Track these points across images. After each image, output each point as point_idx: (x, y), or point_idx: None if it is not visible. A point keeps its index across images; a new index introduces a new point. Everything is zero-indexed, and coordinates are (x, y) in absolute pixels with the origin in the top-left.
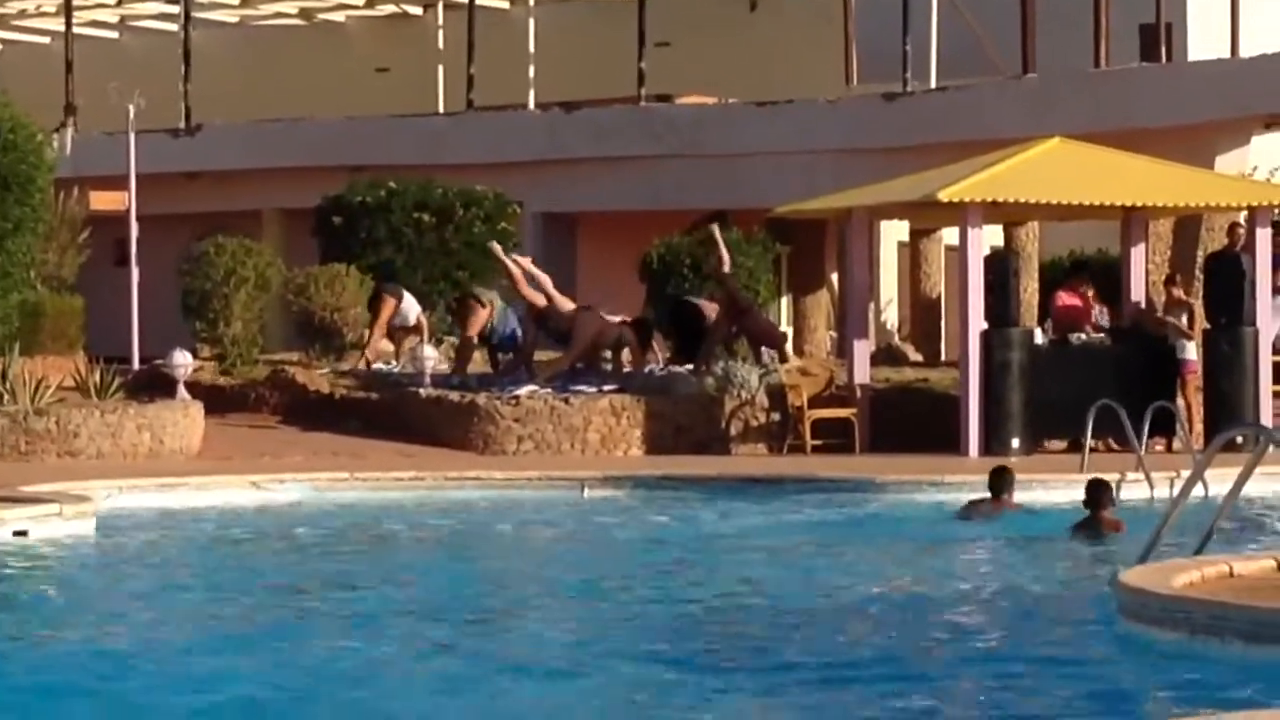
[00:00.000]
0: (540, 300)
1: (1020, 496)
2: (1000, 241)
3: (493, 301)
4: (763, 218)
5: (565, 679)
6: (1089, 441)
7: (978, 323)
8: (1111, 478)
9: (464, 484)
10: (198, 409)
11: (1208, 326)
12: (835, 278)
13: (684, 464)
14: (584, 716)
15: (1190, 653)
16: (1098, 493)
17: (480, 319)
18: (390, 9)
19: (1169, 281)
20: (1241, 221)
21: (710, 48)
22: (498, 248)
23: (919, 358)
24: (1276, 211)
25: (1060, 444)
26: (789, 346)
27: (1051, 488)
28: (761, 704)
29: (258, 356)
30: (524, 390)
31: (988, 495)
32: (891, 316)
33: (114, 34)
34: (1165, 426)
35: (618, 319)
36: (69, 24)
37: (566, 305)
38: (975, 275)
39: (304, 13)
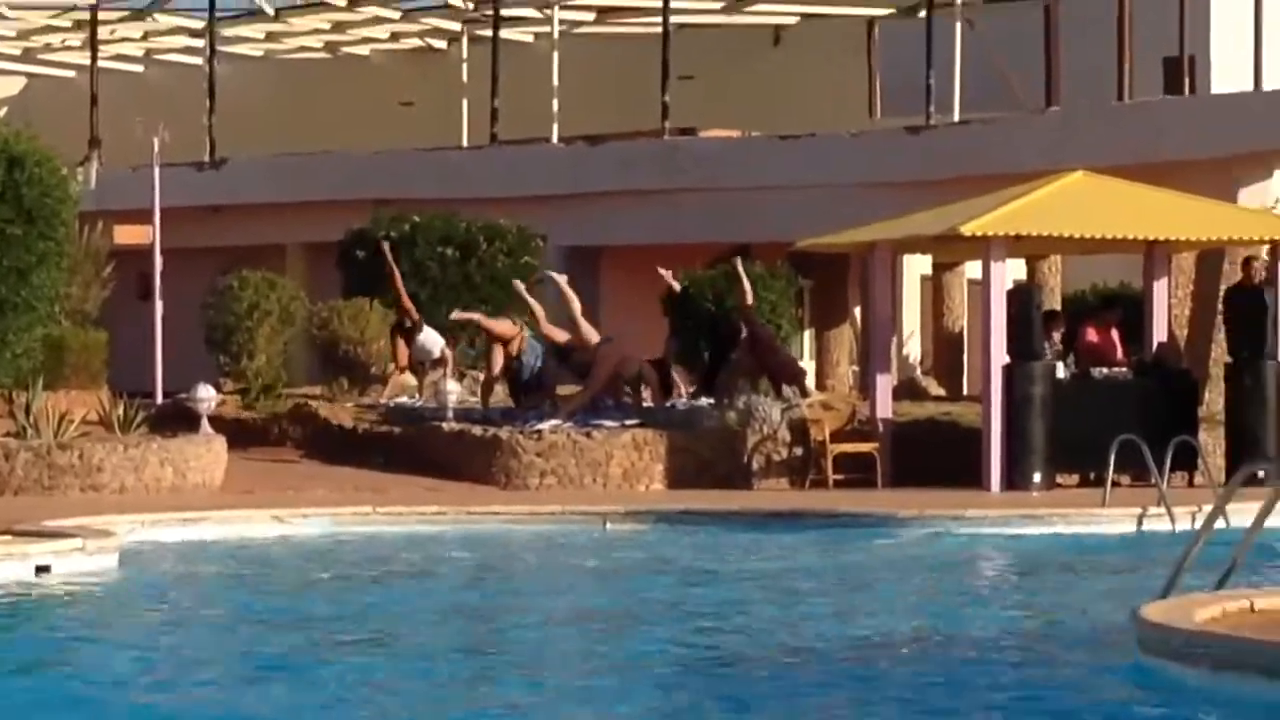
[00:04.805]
0: (561, 337)
1: (1041, 530)
2: (1023, 275)
3: (523, 331)
4: (785, 251)
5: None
6: (1110, 475)
7: (1000, 356)
8: (1133, 512)
9: (486, 518)
10: (221, 443)
11: (1229, 360)
12: (858, 311)
13: (705, 498)
14: None
15: (1211, 689)
16: None
17: (506, 332)
18: (415, 43)
19: None
20: (1257, 255)
21: (734, 81)
22: (521, 286)
23: (941, 392)
24: None
25: (1077, 479)
26: (810, 381)
27: (1073, 522)
28: None
29: (281, 390)
30: (546, 424)
31: None
32: (914, 350)
33: (139, 68)
34: (1187, 461)
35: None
36: (94, 58)
37: (592, 336)
38: (998, 309)
39: (328, 46)
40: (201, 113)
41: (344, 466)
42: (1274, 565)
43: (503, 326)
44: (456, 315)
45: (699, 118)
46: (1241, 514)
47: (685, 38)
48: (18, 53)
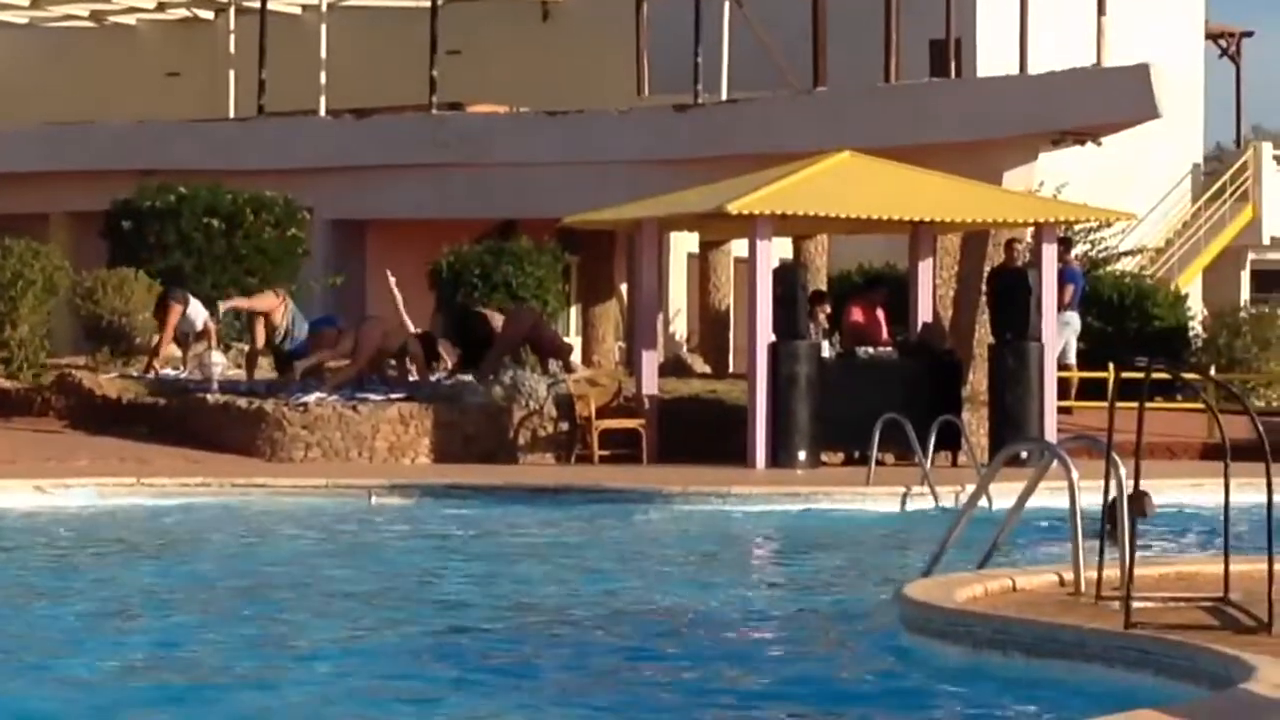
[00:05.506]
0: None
1: (805, 508)
2: (789, 254)
3: (286, 303)
4: (553, 228)
5: (332, 683)
6: (875, 454)
7: (765, 335)
8: (897, 490)
9: (250, 491)
10: None
11: (993, 341)
12: (624, 288)
13: (471, 473)
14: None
15: (973, 667)
16: None
17: (268, 306)
18: (182, 13)
19: None
20: (1019, 238)
21: (502, 57)
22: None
23: (707, 369)
24: (1061, 228)
25: (841, 457)
26: (576, 356)
27: (837, 501)
28: None
29: (44, 360)
30: (312, 397)
31: None
32: (680, 328)
33: None
34: (951, 441)
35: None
36: None
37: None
38: (764, 287)
39: (94, 15)
40: None
41: (108, 437)
42: (1035, 545)
43: (264, 302)
44: (224, 306)
45: (466, 92)
46: (1004, 494)
47: (453, 12)
48: None
